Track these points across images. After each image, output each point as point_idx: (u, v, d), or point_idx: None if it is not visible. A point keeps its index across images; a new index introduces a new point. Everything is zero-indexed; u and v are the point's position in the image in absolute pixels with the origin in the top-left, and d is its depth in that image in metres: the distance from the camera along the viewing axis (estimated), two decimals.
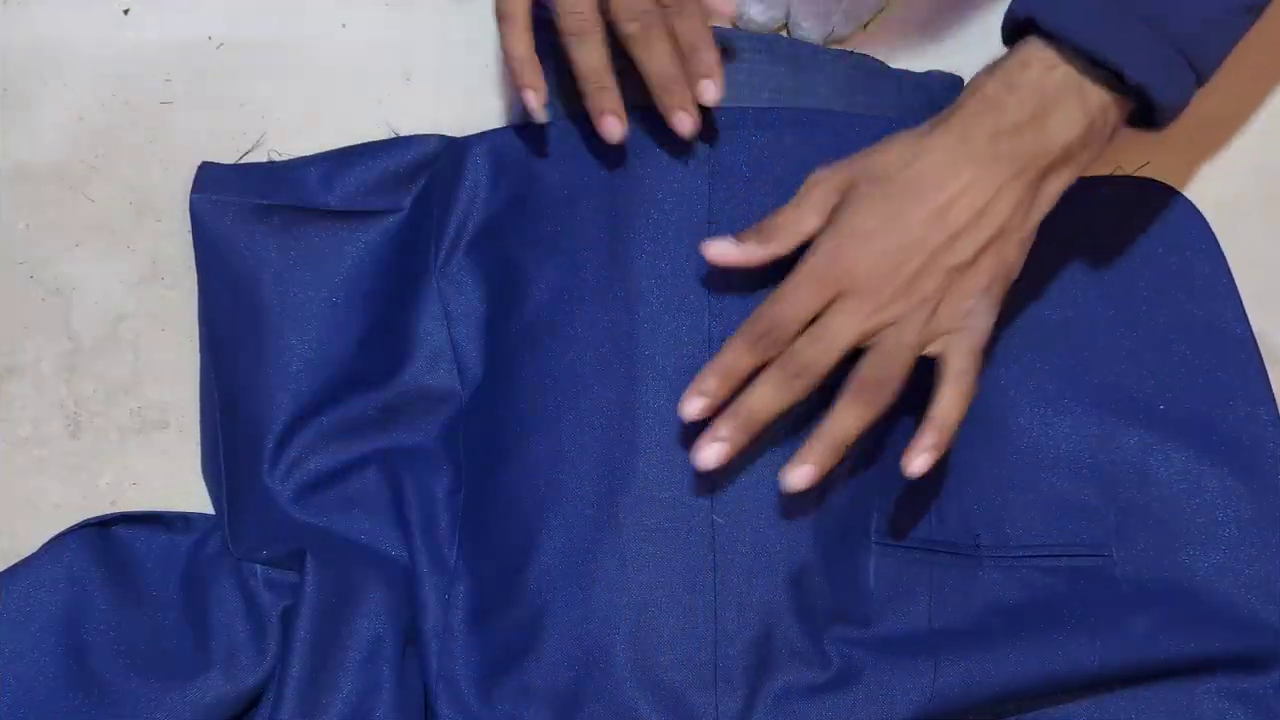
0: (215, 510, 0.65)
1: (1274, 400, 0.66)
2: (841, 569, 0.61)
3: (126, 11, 0.71)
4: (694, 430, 0.58)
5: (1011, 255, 0.58)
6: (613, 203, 0.62)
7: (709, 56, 0.59)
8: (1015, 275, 0.59)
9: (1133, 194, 0.69)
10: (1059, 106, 0.56)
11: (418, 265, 0.66)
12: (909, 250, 0.56)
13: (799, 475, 0.56)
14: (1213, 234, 0.68)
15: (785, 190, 0.62)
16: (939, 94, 0.68)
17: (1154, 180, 0.69)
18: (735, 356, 0.57)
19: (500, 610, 0.60)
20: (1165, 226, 0.68)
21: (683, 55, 0.59)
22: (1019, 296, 0.67)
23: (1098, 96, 0.57)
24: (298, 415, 0.64)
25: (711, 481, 0.58)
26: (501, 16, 0.60)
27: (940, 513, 0.64)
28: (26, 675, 0.60)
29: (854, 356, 0.57)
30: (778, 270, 0.60)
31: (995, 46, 0.72)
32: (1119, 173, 0.70)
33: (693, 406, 0.57)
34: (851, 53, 0.66)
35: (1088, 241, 0.68)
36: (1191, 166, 0.70)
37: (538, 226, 0.63)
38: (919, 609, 0.62)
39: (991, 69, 0.58)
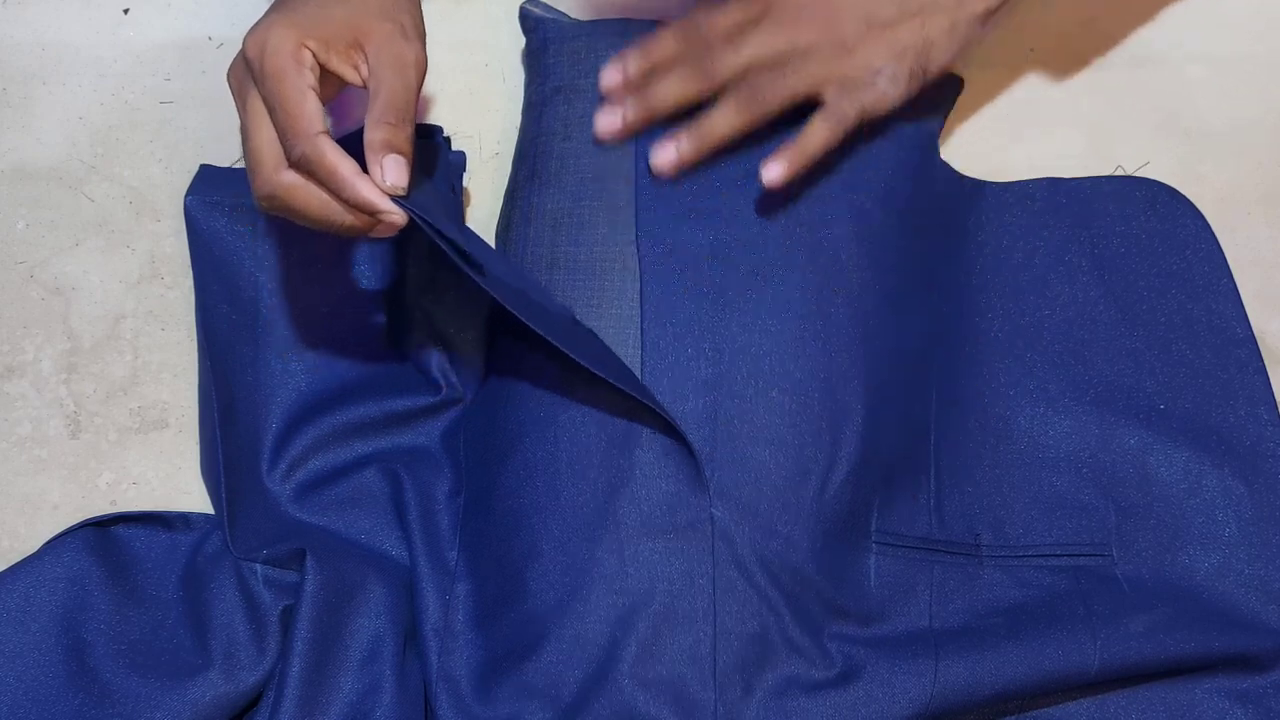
0: (214, 510, 0.65)
1: (1274, 400, 0.66)
2: (842, 567, 0.61)
3: (126, 11, 0.71)
4: (689, 426, 0.58)
5: (934, 34, 0.61)
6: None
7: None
8: (934, 65, 0.62)
9: (1133, 194, 0.69)
10: None
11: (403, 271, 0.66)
12: None
13: (665, 159, 0.61)
14: (1213, 234, 0.68)
15: (788, 188, 0.62)
16: (938, 92, 0.68)
17: (1154, 180, 0.69)
18: (659, 43, 0.61)
19: (501, 610, 0.60)
20: (1166, 226, 0.68)
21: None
22: (1020, 296, 0.67)
23: None
24: (297, 415, 0.64)
25: (710, 476, 0.58)
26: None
27: (941, 512, 0.64)
28: (26, 675, 0.60)
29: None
30: (769, 265, 0.60)
31: (995, 47, 0.72)
32: (1119, 173, 0.70)
33: (609, 76, 0.62)
34: None
35: (1088, 241, 0.68)
36: (1191, 166, 0.71)
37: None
38: (920, 608, 0.62)
39: None
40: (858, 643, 0.60)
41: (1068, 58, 0.72)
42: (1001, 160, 0.71)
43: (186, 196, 0.66)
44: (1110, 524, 0.64)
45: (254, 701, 0.61)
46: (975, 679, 0.59)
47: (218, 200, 0.66)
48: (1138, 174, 0.70)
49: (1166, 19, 0.73)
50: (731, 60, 0.60)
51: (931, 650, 0.59)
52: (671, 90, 0.61)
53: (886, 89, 0.61)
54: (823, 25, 0.60)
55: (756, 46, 0.60)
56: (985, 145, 0.71)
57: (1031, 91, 0.72)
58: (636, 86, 0.62)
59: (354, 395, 0.65)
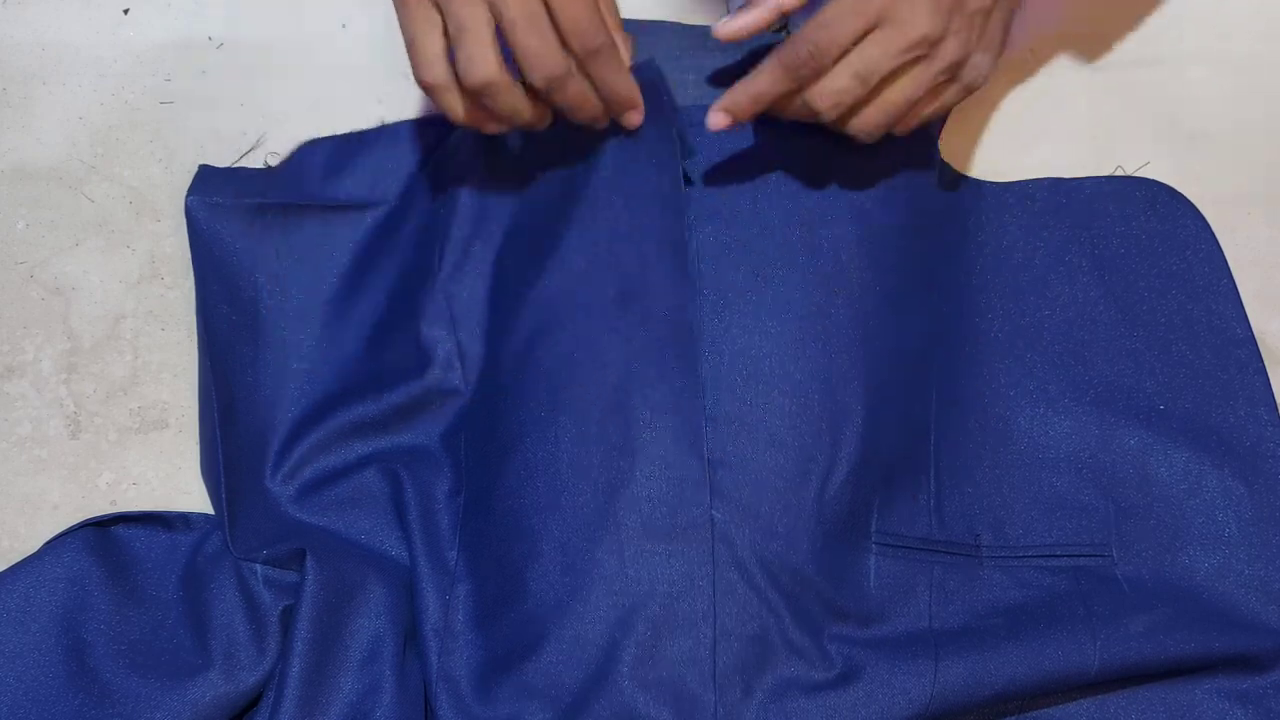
0: (214, 510, 0.65)
1: (1274, 400, 0.66)
2: (842, 568, 0.61)
3: (126, 11, 0.71)
4: (689, 428, 0.58)
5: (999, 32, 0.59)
6: (606, 202, 0.62)
7: (629, 93, 0.59)
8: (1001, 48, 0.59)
9: (1133, 194, 0.69)
10: None
11: (421, 265, 0.66)
12: None
13: (715, 119, 0.58)
14: (1213, 234, 0.68)
15: (788, 187, 0.61)
16: None
17: (1154, 180, 0.69)
18: (771, 83, 0.57)
19: (501, 610, 0.60)
20: (1166, 226, 0.68)
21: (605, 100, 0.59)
22: (1020, 296, 0.67)
23: None
24: (298, 416, 0.64)
25: (710, 478, 0.58)
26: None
27: (941, 512, 0.64)
28: (26, 675, 0.60)
29: None
30: (769, 266, 0.60)
31: None
32: (1119, 173, 0.70)
33: (717, 119, 0.58)
34: None
35: (1088, 242, 0.68)
36: (1192, 166, 0.71)
37: (533, 228, 0.63)
38: (920, 608, 0.62)
39: None
40: (857, 644, 0.60)
41: (1068, 58, 0.72)
42: (1001, 160, 0.71)
43: (187, 197, 0.66)
44: (1110, 524, 0.64)
45: (254, 701, 0.61)
46: (975, 679, 0.59)
47: (218, 201, 0.66)
48: (1138, 174, 0.70)
49: (1167, 20, 0.73)
50: (859, 90, 0.56)
51: (931, 651, 0.59)
52: (795, 112, 0.58)
53: (980, 74, 0.58)
54: (940, 26, 0.55)
55: (883, 65, 0.55)
56: (985, 145, 0.71)
57: (1031, 92, 0.72)
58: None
59: (354, 394, 0.65)
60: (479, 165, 0.66)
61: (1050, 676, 0.60)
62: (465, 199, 0.65)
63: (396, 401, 0.64)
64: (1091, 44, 0.72)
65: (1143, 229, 0.68)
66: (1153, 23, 0.73)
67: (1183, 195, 0.69)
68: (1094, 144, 0.71)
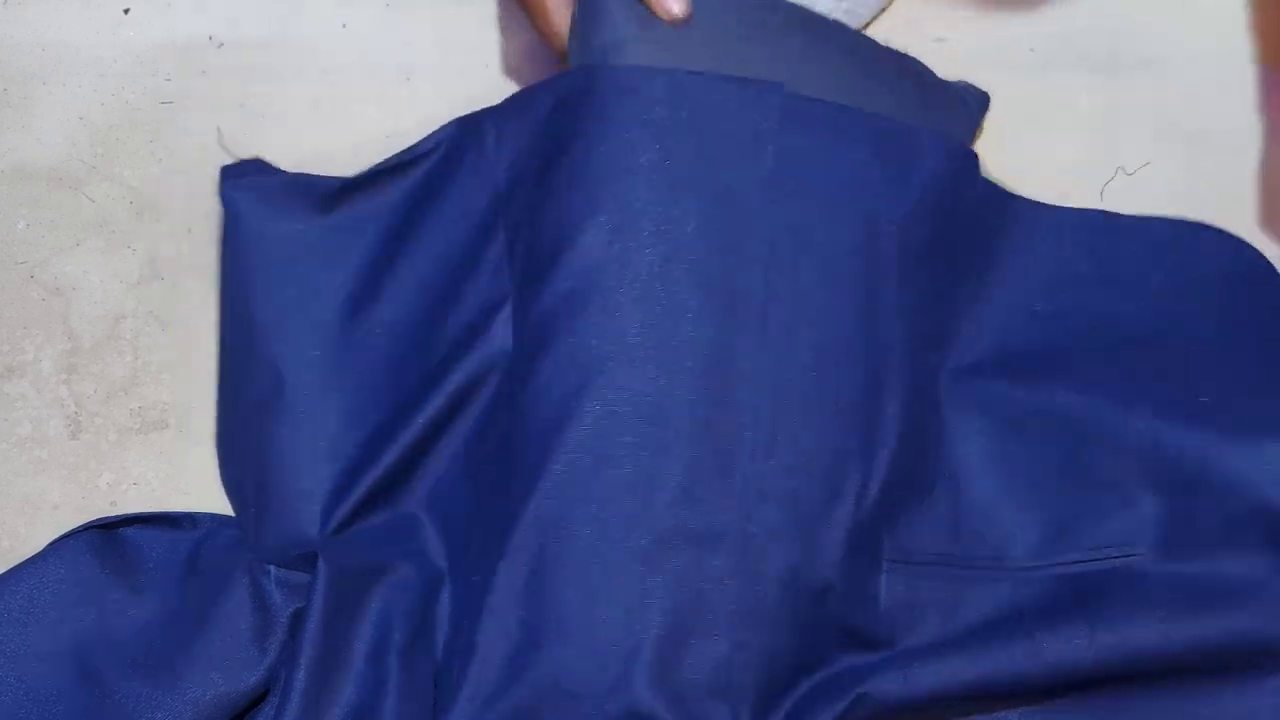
0: (234, 506, 0.65)
1: None
2: (860, 588, 0.60)
3: (127, 11, 0.71)
4: (724, 432, 0.58)
5: None
6: (665, 170, 0.61)
7: None
8: None
9: (1193, 242, 0.68)
10: None
11: (472, 244, 0.65)
12: None
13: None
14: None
15: (820, 209, 0.61)
16: (975, 108, 0.68)
17: (1221, 230, 0.68)
18: None
19: (516, 607, 0.60)
20: (1226, 272, 0.67)
21: None
22: (1061, 316, 0.66)
23: None
24: (347, 456, 0.63)
25: (739, 493, 0.58)
26: None
27: (956, 529, 0.63)
28: (28, 675, 0.60)
29: None
30: (837, 256, 0.60)
31: (996, 48, 0.72)
32: (1119, 173, 0.70)
33: None
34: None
35: (1139, 284, 0.67)
36: (1194, 168, 0.71)
37: (573, 193, 0.62)
38: (934, 628, 0.61)
39: None
40: (872, 663, 0.59)
41: (1069, 59, 0.72)
42: (1001, 161, 0.70)
43: (223, 183, 0.66)
44: (1146, 521, 0.62)
45: (255, 701, 0.61)
46: (979, 683, 0.59)
47: (257, 184, 0.66)
48: (1137, 174, 0.70)
49: (1169, 20, 0.73)
50: None
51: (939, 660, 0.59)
52: None
53: None
54: None
55: None
56: (985, 146, 0.71)
57: (1032, 92, 0.72)
58: None
59: (399, 420, 0.64)
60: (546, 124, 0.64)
61: (1051, 676, 0.59)
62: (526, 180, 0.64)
63: (447, 394, 0.63)
64: (1093, 45, 0.72)
65: (1204, 276, 0.67)
66: (1155, 23, 0.73)
67: (1248, 244, 0.67)
68: (1094, 144, 0.71)
